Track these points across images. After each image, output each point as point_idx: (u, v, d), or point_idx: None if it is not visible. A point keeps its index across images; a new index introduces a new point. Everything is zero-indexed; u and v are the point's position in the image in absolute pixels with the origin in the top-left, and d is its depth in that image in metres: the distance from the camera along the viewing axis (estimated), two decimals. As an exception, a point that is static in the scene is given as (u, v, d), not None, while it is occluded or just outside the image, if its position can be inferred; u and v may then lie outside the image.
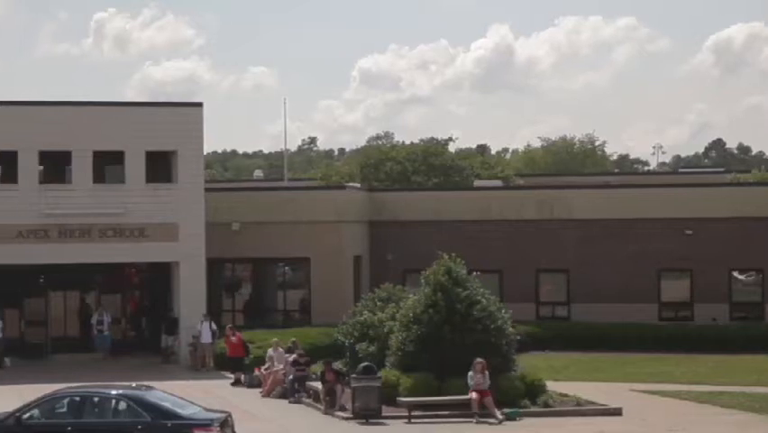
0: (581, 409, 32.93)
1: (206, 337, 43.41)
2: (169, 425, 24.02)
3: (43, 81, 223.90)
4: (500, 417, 31.35)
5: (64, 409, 24.91)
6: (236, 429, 26.13)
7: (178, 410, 24.46)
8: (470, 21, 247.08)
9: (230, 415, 25.47)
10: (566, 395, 34.08)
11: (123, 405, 24.64)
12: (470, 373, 31.91)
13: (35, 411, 24.74)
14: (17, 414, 24.64)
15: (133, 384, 27.30)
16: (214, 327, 43.59)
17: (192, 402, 25.97)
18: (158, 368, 43.51)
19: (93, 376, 40.35)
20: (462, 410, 31.76)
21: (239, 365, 40.18)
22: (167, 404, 24.70)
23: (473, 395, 31.60)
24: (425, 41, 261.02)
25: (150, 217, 44.84)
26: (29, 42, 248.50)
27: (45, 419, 24.66)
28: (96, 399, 25.12)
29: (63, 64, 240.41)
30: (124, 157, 44.99)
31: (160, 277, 47.55)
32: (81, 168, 44.62)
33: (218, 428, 24.20)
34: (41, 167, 45.53)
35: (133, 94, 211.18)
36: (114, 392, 25.37)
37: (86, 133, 44.53)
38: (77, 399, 25.07)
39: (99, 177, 45.61)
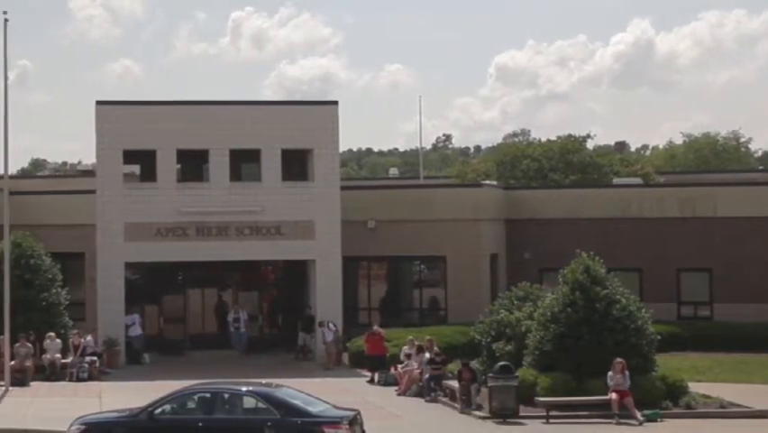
0: (725, 411, 31.95)
1: (328, 336, 43.38)
2: (299, 422, 23.94)
3: (181, 81, 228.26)
4: (641, 418, 30.69)
5: (195, 405, 25.04)
6: (371, 427, 25.91)
7: (308, 408, 24.37)
8: (610, 15, 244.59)
9: (359, 413, 25.32)
10: (709, 397, 33.12)
11: (253, 402, 24.68)
12: (610, 374, 31.32)
13: (167, 407, 24.88)
14: (149, 409, 24.84)
15: (263, 381, 27.40)
16: (332, 326, 43.50)
17: (321, 400, 25.83)
18: (293, 365, 43.60)
19: (229, 373, 40.59)
20: (601, 411, 31.16)
21: (379, 364, 39.95)
22: (297, 402, 24.62)
23: (613, 396, 31.00)
24: (564, 36, 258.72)
25: (286, 215, 45.00)
26: (167, 43, 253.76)
27: (176, 414, 24.76)
28: (226, 395, 25.19)
29: (200, 64, 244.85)
30: (261, 155, 45.22)
31: (296, 275, 47.68)
32: (218, 166, 44.98)
33: (347, 426, 24.03)
34: (179, 165, 46.03)
35: (270, 92, 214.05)
36: (244, 389, 25.45)
37: (223, 131, 44.88)
38: (208, 395, 25.13)
39: (236, 175, 45.96)
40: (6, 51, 35.83)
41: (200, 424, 24.43)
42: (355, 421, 24.70)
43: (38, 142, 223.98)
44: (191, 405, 25.05)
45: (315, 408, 24.55)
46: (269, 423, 23.97)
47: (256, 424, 24.13)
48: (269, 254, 45.93)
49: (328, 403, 25.66)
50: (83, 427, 25.04)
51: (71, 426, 25.42)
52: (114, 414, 25.87)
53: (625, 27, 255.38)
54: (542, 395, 31.92)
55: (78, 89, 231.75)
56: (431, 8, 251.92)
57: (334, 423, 23.91)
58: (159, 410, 24.75)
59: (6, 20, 35.64)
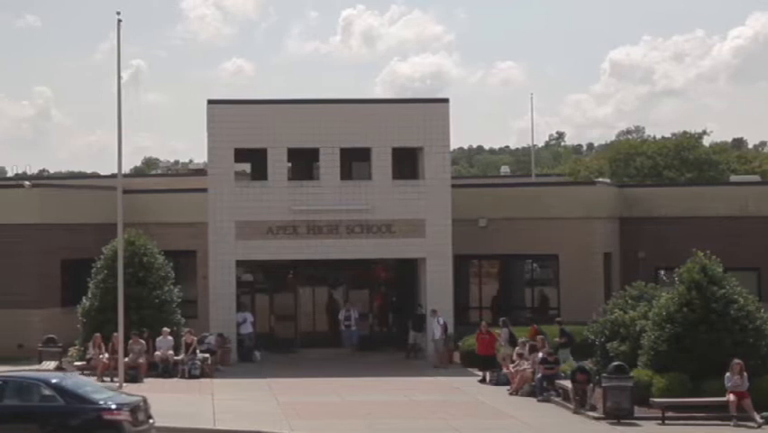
0: None
1: (436, 333, 43.05)
2: (83, 409, 24.89)
3: (292, 79, 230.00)
4: (759, 420, 30.02)
5: None
6: (484, 426, 25.57)
7: (93, 396, 25.35)
8: (728, 8, 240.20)
9: (144, 400, 26.05)
10: (833, 399, 32.11)
11: (40, 390, 25.50)
12: (728, 375, 30.61)
13: None
14: None
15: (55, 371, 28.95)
16: (442, 321, 43.16)
17: (111, 390, 27.51)
18: (403, 364, 43.43)
19: (340, 371, 40.77)
20: (718, 413, 30.51)
21: (489, 363, 39.57)
22: (82, 390, 25.59)
23: (731, 397, 30.30)
24: (680, 31, 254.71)
25: (396, 214, 44.88)
26: (278, 42, 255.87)
27: None
28: (14, 383, 26.03)
29: (312, 62, 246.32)
30: (371, 154, 45.15)
31: (407, 273, 47.50)
32: (329, 165, 45.02)
33: (128, 412, 24.87)
34: (290, 164, 46.15)
35: (380, 90, 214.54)
36: (32, 377, 26.64)
37: (333, 130, 44.91)
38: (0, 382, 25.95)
39: (346, 173, 45.95)
40: (120, 51, 36.15)
41: None
42: (138, 408, 25.44)
43: (151, 141, 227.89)
44: None
45: (100, 395, 25.51)
46: (54, 410, 24.90)
47: (43, 411, 25.05)
48: (379, 253, 45.81)
49: (117, 392, 27.20)
50: None
51: None
52: None
53: (744, 21, 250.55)
54: (657, 396, 31.38)
55: (190, 88, 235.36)
56: (544, 3, 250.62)
57: (115, 409, 24.76)
58: None
59: (120, 20, 35.91)
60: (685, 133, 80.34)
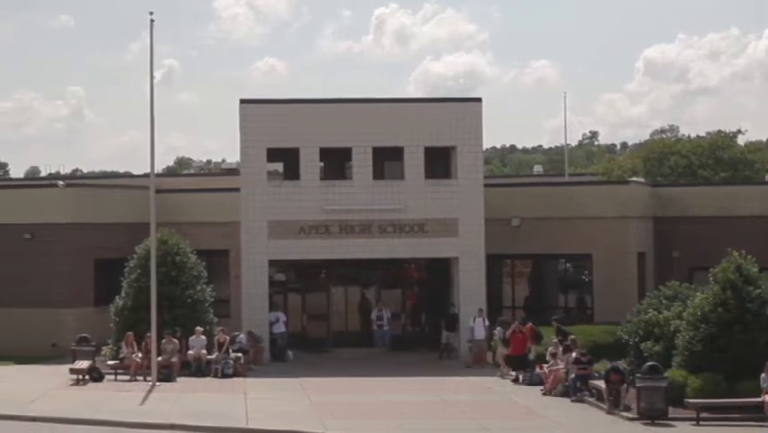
0: None
1: (479, 333, 42.91)
2: None
3: (325, 79, 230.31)
4: (796, 422, 29.63)
5: None
6: (516, 426, 25.40)
7: None
8: (764, 6, 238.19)
9: None
10: None
11: None
12: (763, 375, 30.41)
13: None
14: None
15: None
16: (486, 322, 43.06)
17: None
18: (435, 364, 43.30)
19: (372, 370, 40.70)
20: (754, 414, 30.21)
21: (522, 363, 39.42)
22: None
23: (766, 398, 30.03)
24: (716, 29, 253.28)
25: (429, 213, 44.81)
26: (311, 41, 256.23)
27: None
28: None
29: (344, 61, 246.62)
30: (404, 153, 45.07)
31: (439, 273, 47.39)
32: (361, 164, 44.98)
33: None
34: (322, 163, 46.13)
35: (413, 89, 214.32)
36: None
37: (365, 129, 44.88)
38: None
39: (379, 173, 45.89)
40: (153, 51, 36.23)
41: None
42: None
43: (183, 140, 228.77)
44: None
45: None
46: None
47: None
48: (412, 252, 45.71)
49: None
50: None
51: None
52: None
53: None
54: (692, 396, 31.15)
55: (223, 88, 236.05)
56: (578, 1, 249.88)
57: None
58: None
59: (152, 20, 36.02)
60: (720, 132, 79.82)
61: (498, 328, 41.89)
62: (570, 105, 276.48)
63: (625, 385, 32.42)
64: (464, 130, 45.11)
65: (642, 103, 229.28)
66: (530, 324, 40.95)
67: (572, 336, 38.04)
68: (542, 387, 36.58)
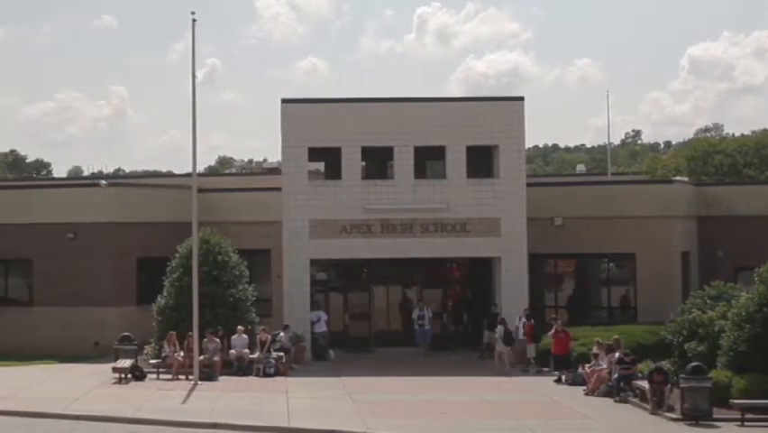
0: None
1: (521, 333, 42.66)
2: None
3: (367, 78, 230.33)
4: (843, 423, 29.25)
5: None
6: (559, 427, 25.21)
7: None
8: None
9: None
10: None
11: None
12: (810, 376, 29.94)
13: None
14: None
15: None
16: (531, 322, 42.77)
17: None
18: (478, 364, 43.09)
19: (413, 370, 40.60)
20: (801, 415, 29.81)
21: (564, 363, 39.19)
22: None
23: (813, 399, 29.65)
24: (762, 26, 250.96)
25: (471, 212, 44.66)
26: (353, 40, 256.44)
27: None
28: None
29: (386, 60, 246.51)
30: (445, 152, 44.95)
31: (481, 272, 47.21)
32: (403, 163, 44.89)
33: None
34: (364, 162, 46.07)
35: (455, 88, 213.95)
36: None
37: (407, 128, 44.79)
38: None
39: (421, 172, 45.79)
40: (195, 51, 36.33)
41: None
42: None
43: (225, 140, 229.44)
44: None
45: None
46: None
47: None
48: (453, 251, 45.58)
49: None
50: None
51: None
52: None
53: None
54: (737, 397, 30.79)
55: (265, 87, 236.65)
56: (621, 0, 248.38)
57: None
58: None
59: (194, 20, 36.08)
60: (765, 130, 79.26)
61: (499, 327, 41.59)
62: (613, 104, 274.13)
63: (669, 386, 32.14)
64: (507, 129, 44.94)
65: (686, 101, 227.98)
66: (531, 322, 40.91)
67: (616, 337, 37.79)
68: (584, 387, 36.35)
